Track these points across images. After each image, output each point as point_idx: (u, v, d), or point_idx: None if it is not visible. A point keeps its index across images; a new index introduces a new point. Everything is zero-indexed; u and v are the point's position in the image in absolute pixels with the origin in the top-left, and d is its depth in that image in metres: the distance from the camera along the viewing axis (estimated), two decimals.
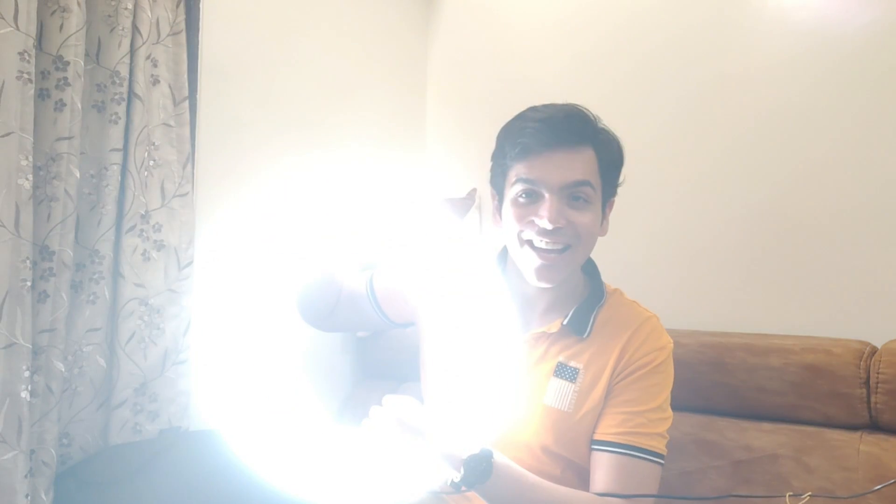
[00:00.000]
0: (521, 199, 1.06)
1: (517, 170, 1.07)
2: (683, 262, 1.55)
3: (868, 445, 1.14)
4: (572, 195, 1.05)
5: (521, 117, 1.10)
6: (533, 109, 1.09)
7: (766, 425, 1.24)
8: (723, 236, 1.50)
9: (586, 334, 1.09)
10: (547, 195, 1.04)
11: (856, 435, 1.16)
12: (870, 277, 1.31)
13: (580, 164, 1.05)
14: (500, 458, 0.96)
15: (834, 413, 1.18)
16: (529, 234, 1.05)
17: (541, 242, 1.04)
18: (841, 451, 1.16)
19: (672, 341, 1.11)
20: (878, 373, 1.14)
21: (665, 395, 1.07)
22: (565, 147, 1.05)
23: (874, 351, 1.18)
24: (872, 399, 1.15)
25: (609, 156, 1.09)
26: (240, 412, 1.57)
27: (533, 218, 1.04)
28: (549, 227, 1.02)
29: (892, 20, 1.30)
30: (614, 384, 1.06)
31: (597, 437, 1.05)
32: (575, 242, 1.05)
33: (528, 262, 1.06)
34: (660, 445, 1.03)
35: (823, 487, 1.15)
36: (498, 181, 1.13)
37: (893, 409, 1.13)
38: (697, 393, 1.29)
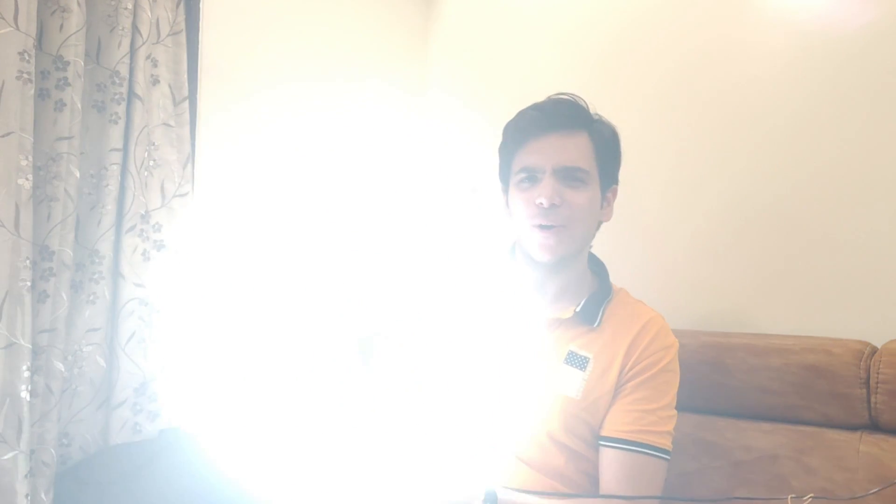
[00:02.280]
0: (523, 185, 1.14)
1: (518, 158, 1.15)
2: (683, 262, 1.55)
3: (868, 446, 1.14)
4: (569, 177, 1.12)
5: (520, 112, 1.19)
6: (532, 103, 1.18)
7: (766, 425, 1.24)
8: (723, 236, 1.49)
9: (597, 324, 1.14)
10: (544, 176, 1.11)
11: (856, 435, 1.16)
12: (870, 277, 1.31)
13: (574, 148, 1.12)
14: (504, 494, 0.97)
15: (834, 413, 1.18)
16: (531, 214, 1.12)
17: (540, 220, 1.11)
18: (841, 451, 1.15)
19: (677, 341, 1.15)
20: (878, 373, 1.14)
21: (673, 392, 1.11)
22: (560, 130, 1.13)
23: (874, 351, 1.18)
24: (872, 399, 1.15)
25: (604, 141, 1.16)
26: (236, 413, 1.57)
27: (532, 199, 1.12)
28: (547, 203, 1.09)
29: (892, 20, 1.30)
30: (624, 381, 1.09)
31: (608, 433, 1.08)
32: (570, 222, 1.11)
33: (532, 240, 1.13)
34: (668, 442, 1.07)
35: (823, 488, 1.14)
36: (504, 173, 1.21)
37: (893, 409, 1.13)
38: (697, 393, 1.29)
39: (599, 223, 1.19)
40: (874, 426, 1.16)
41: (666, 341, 1.13)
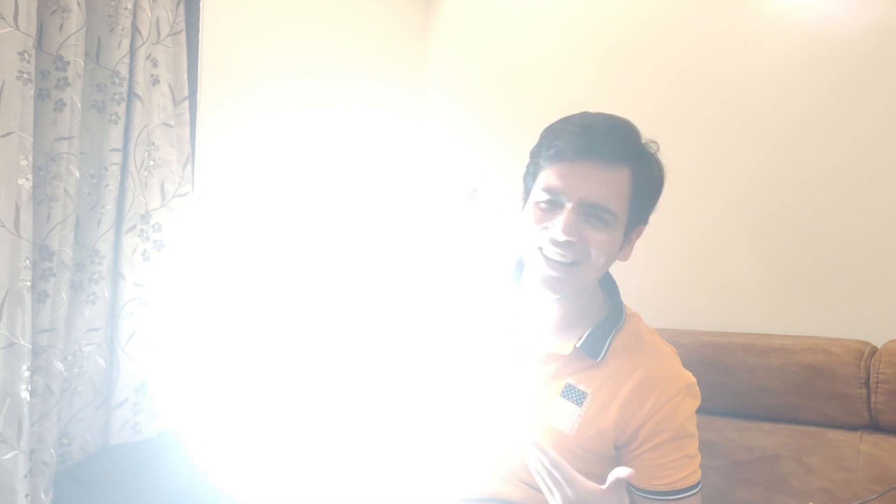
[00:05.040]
0: (542, 205, 1.04)
1: (546, 174, 1.05)
2: (683, 262, 1.55)
3: (868, 445, 1.14)
4: (592, 214, 1.02)
5: (565, 119, 1.07)
6: (581, 114, 1.07)
7: (766, 425, 1.24)
8: (723, 236, 1.50)
9: (601, 358, 1.07)
10: (567, 206, 1.02)
11: (856, 435, 1.16)
12: (870, 277, 1.31)
13: (610, 186, 1.02)
14: None
15: (834, 413, 1.18)
16: (541, 240, 1.03)
17: (550, 251, 1.02)
18: (841, 451, 1.15)
19: (691, 375, 1.09)
20: (878, 373, 1.14)
21: (695, 428, 1.07)
22: (599, 162, 1.01)
23: (874, 351, 1.18)
24: (872, 399, 1.15)
25: (645, 180, 1.06)
26: (235, 413, 1.57)
27: (548, 224, 1.02)
28: (562, 238, 1.00)
29: (893, 20, 1.30)
30: (645, 437, 1.03)
31: (653, 487, 1.03)
32: (584, 259, 1.03)
33: (537, 268, 1.05)
34: (699, 471, 1.04)
35: (823, 487, 1.15)
36: (529, 179, 1.11)
37: (893, 409, 1.13)
38: None
39: (614, 261, 1.09)
40: (874, 426, 1.16)
41: (681, 383, 1.06)
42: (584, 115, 1.06)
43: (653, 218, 1.57)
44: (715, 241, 1.51)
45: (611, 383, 1.05)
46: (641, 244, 1.43)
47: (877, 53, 1.32)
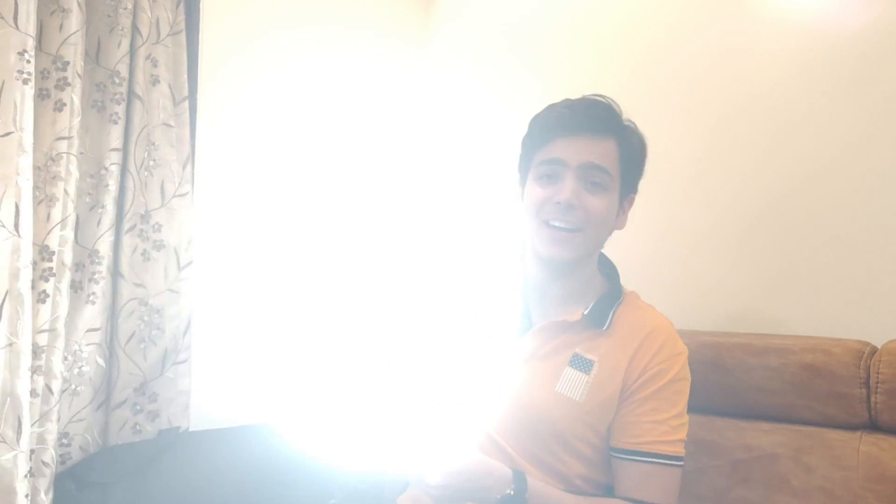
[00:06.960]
0: (543, 181, 1.11)
1: (541, 153, 1.13)
2: (683, 261, 1.55)
3: (867, 445, 1.14)
4: (590, 180, 1.09)
5: (551, 106, 1.16)
6: (564, 100, 1.16)
7: (765, 425, 1.24)
8: (722, 235, 1.49)
9: (606, 326, 1.12)
10: (566, 174, 1.09)
11: (855, 435, 1.16)
12: (870, 277, 1.31)
13: (600, 151, 1.10)
14: (532, 484, 0.99)
15: (833, 413, 1.18)
16: (547, 213, 1.10)
17: (554, 220, 1.09)
18: (840, 450, 1.15)
19: (687, 348, 1.14)
20: (877, 373, 1.14)
21: (684, 401, 1.11)
22: (587, 133, 1.10)
23: (874, 351, 1.18)
24: (872, 399, 1.15)
25: (630, 149, 1.14)
26: (236, 412, 1.57)
27: (551, 196, 1.09)
28: (564, 203, 1.07)
29: (889, 21, 1.30)
30: (632, 391, 1.08)
31: (620, 445, 1.07)
32: (586, 226, 1.09)
33: (543, 237, 1.11)
34: (681, 449, 1.08)
35: (822, 487, 1.15)
36: (524, 164, 1.18)
37: (893, 409, 1.13)
38: (696, 392, 1.29)
39: (612, 230, 1.17)
40: (874, 426, 1.16)
41: (675, 349, 1.12)
42: (566, 100, 1.15)
43: (654, 218, 1.58)
44: (715, 240, 1.51)
45: (615, 353, 1.10)
46: (643, 244, 1.45)
47: (873, 53, 1.32)
